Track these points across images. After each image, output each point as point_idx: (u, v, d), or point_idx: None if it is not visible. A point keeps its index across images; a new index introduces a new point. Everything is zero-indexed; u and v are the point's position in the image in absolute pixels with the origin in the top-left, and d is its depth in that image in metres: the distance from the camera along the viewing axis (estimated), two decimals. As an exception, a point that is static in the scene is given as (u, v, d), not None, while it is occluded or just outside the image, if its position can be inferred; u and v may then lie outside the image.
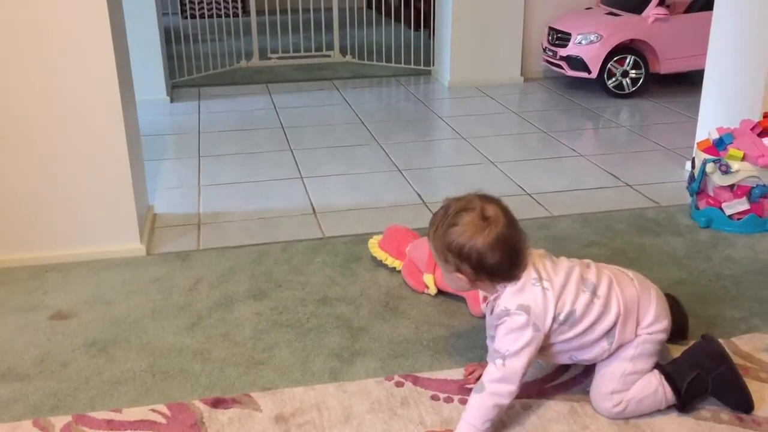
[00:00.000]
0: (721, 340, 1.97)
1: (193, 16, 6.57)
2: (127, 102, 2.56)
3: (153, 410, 1.77)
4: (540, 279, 1.64)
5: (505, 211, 1.64)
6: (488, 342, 1.87)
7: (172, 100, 4.85)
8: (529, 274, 1.64)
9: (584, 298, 1.65)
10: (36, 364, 1.98)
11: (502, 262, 1.60)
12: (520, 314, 1.60)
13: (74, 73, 2.38)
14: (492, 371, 1.61)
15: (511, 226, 1.62)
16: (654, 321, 1.70)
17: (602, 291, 1.67)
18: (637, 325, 1.69)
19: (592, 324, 1.66)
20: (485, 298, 2.12)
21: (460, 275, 1.65)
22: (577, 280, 1.66)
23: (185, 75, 5.34)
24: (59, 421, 1.74)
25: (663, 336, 1.73)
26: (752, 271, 2.43)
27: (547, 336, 1.64)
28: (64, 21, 2.32)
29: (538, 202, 3.08)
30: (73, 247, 2.55)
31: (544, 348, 1.67)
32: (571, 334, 1.66)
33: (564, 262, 1.70)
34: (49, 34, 2.33)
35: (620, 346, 1.69)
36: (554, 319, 1.63)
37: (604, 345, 1.68)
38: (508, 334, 1.61)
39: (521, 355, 1.60)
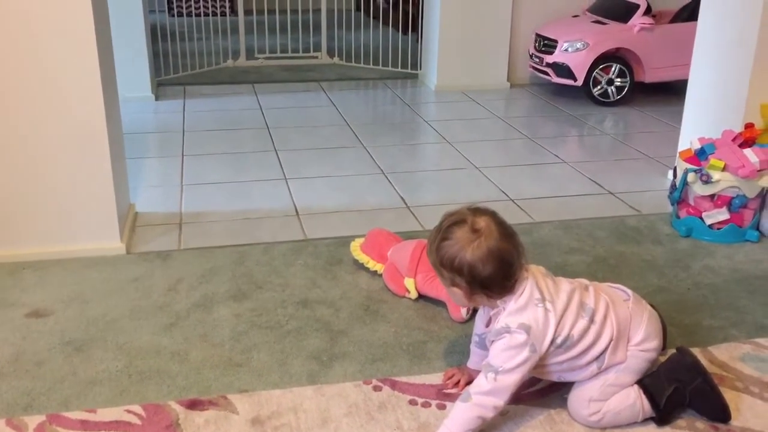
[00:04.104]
0: (697, 349, 1.99)
1: (180, 14, 6.54)
2: (109, 99, 2.54)
3: (128, 411, 1.76)
4: (543, 300, 1.63)
5: (500, 224, 1.64)
6: (472, 346, 1.87)
7: (157, 98, 4.82)
8: (532, 294, 1.64)
9: (582, 323, 1.66)
10: (10, 362, 1.95)
11: (495, 274, 1.60)
12: (520, 333, 1.60)
13: (56, 69, 2.36)
14: (482, 383, 1.61)
15: (503, 239, 1.61)
16: (644, 340, 1.71)
17: (599, 317, 1.67)
18: (627, 343, 1.70)
19: (585, 349, 1.67)
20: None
21: (456, 289, 1.65)
22: (578, 305, 1.67)
23: (171, 73, 5.31)
24: (33, 421, 1.72)
25: (653, 355, 1.74)
26: (730, 280, 2.45)
27: (542, 357, 1.65)
28: (45, 16, 2.30)
29: (521, 208, 3.09)
30: (51, 245, 2.53)
31: (536, 367, 1.67)
32: (564, 357, 1.67)
33: (565, 284, 1.70)
34: (30, 29, 2.30)
35: (608, 368, 1.70)
36: (552, 341, 1.63)
37: (593, 368, 1.70)
38: (505, 350, 1.61)
39: (514, 372, 1.60)
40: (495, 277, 1.60)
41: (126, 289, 2.34)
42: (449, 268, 1.62)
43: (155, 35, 5.35)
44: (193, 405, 1.78)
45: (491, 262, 1.59)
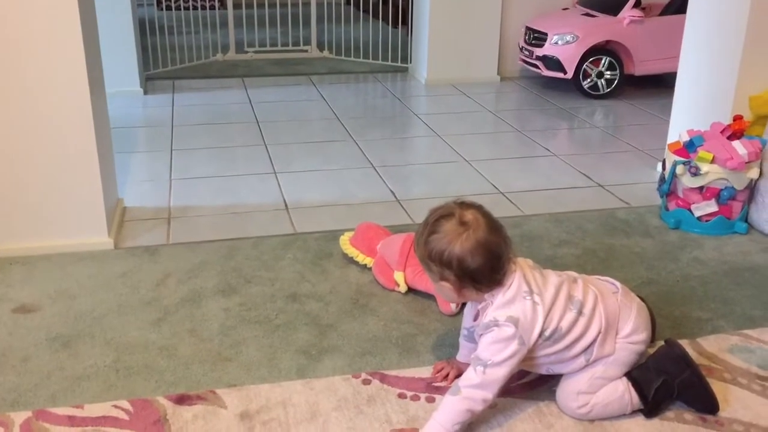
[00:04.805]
0: (686, 341, 2.00)
1: (169, 8, 6.50)
2: (96, 93, 2.52)
3: (115, 406, 1.75)
4: (531, 293, 1.63)
5: (487, 216, 1.64)
6: (461, 339, 1.87)
7: (145, 92, 4.80)
8: (520, 287, 1.63)
9: (570, 316, 1.66)
10: (-3, 358, 1.94)
11: (483, 266, 1.59)
12: (508, 326, 1.60)
13: (41, 63, 2.33)
14: (471, 376, 1.61)
15: (491, 232, 1.61)
16: (632, 332, 1.71)
17: (587, 309, 1.67)
18: (616, 335, 1.70)
19: (573, 341, 1.67)
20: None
21: (445, 283, 1.64)
22: (566, 297, 1.67)
23: (160, 67, 5.29)
24: (19, 417, 1.71)
25: (641, 347, 1.74)
26: (719, 272, 2.45)
27: (531, 350, 1.64)
28: (29, 9, 2.27)
29: (511, 201, 3.09)
30: (39, 240, 2.51)
31: (525, 360, 1.67)
32: (552, 349, 1.67)
33: (553, 277, 1.70)
34: (14, 22, 2.28)
35: (596, 360, 1.70)
36: (540, 334, 1.63)
37: (581, 361, 1.70)
38: (493, 343, 1.60)
39: (503, 365, 1.60)
40: (484, 270, 1.60)
41: (114, 284, 2.33)
42: (438, 261, 1.62)
43: (144, 29, 5.31)
44: (181, 400, 1.77)
45: (480, 255, 1.58)
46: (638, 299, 1.79)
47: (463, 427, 1.63)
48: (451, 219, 1.62)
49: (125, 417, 1.71)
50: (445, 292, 1.69)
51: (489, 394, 1.60)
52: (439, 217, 1.63)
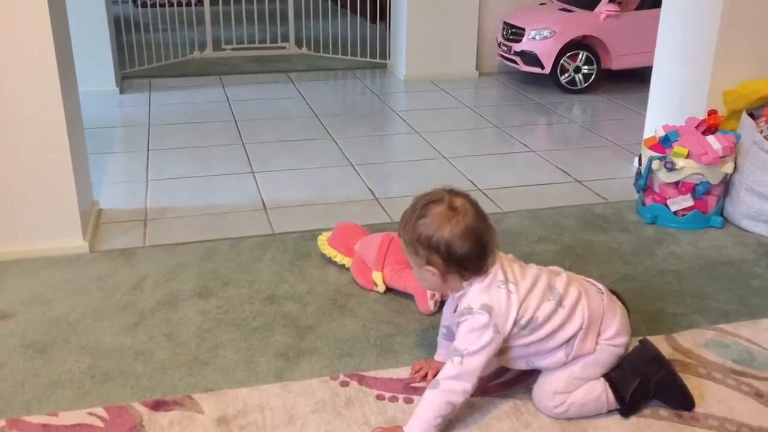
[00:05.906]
0: (662, 336, 2.02)
1: (144, 5, 6.43)
2: (68, 92, 2.48)
3: (91, 413, 1.73)
4: (506, 282, 1.64)
5: (474, 204, 1.65)
6: (439, 338, 1.87)
7: (121, 92, 4.74)
8: (496, 276, 1.64)
9: (548, 306, 1.66)
10: (-31, 366, 1.91)
11: (471, 252, 1.60)
12: (482, 314, 1.61)
13: (8, 60, 2.29)
14: (449, 368, 1.61)
15: (479, 219, 1.63)
16: (615, 335, 1.72)
17: (568, 302, 1.68)
18: (598, 336, 1.71)
19: (552, 332, 1.67)
20: (433, 294, 2.13)
21: (430, 268, 1.64)
22: (544, 287, 1.67)
23: (136, 65, 5.23)
24: (-8, 426, 1.69)
25: (621, 350, 1.75)
26: (695, 267, 2.47)
27: (506, 339, 1.65)
28: (-1, 9, 2.24)
29: (489, 198, 3.09)
30: (11, 245, 2.47)
31: (503, 351, 1.68)
32: (530, 339, 1.67)
33: (532, 269, 1.71)
34: (-16, 23, 2.24)
35: (576, 358, 1.70)
36: (515, 323, 1.63)
37: (560, 355, 1.70)
38: (469, 332, 1.61)
39: (480, 354, 1.61)
40: (471, 256, 1.61)
41: (89, 288, 2.30)
42: (426, 245, 1.62)
43: (119, 27, 5.25)
44: (157, 406, 1.76)
45: (468, 240, 1.59)
46: (620, 303, 1.79)
47: (445, 422, 1.64)
48: (441, 204, 1.62)
49: (100, 424, 1.69)
50: (428, 279, 1.68)
51: (468, 385, 1.61)
52: (428, 201, 1.64)
